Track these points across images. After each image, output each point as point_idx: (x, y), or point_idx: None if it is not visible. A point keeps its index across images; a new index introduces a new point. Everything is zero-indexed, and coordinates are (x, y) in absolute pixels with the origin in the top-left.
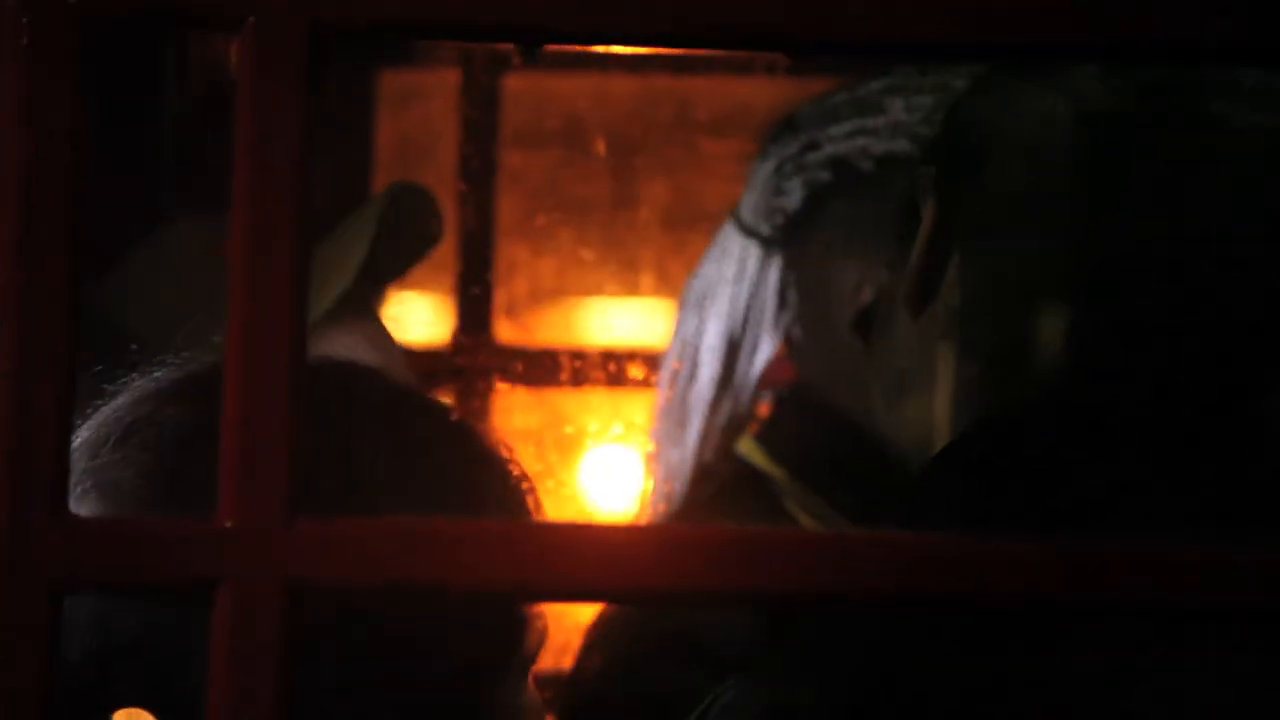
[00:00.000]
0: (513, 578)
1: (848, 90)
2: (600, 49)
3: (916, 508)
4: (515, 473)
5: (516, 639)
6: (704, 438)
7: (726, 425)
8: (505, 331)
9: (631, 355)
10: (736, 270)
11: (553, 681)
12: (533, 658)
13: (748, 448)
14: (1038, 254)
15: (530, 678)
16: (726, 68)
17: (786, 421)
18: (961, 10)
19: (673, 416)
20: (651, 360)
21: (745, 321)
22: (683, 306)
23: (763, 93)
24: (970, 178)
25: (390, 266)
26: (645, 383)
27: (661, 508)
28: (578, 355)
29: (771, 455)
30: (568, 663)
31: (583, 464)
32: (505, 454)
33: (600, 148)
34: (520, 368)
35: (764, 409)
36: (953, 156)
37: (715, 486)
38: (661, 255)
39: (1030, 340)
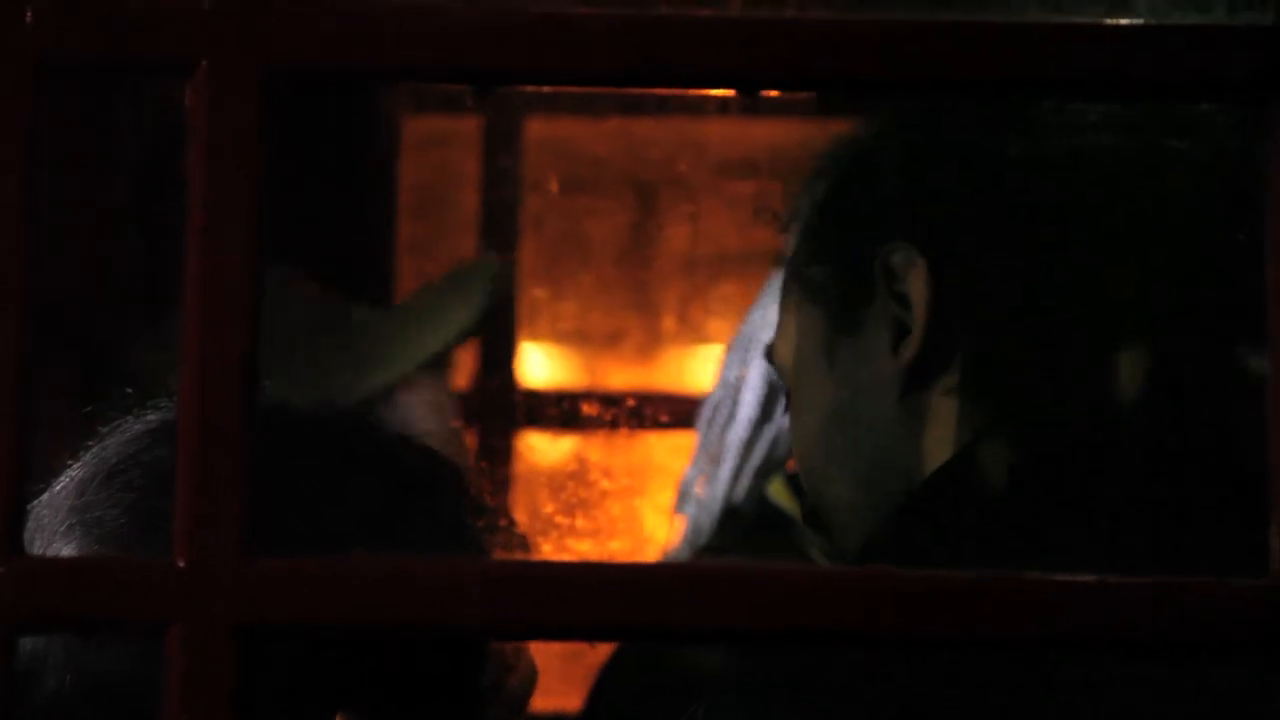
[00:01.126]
0: (468, 617)
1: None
2: (555, 89)
3: (911, 538)
4: (505, 529)
5: (473, 673)
6: (737, 477)
7: (760, 466)
8: (527, 374)
9: (653, 398)
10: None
11: None
12: (520, 699)
13: (776, 489)
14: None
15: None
16: (749, 110)
17: None
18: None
19: (709, 454)
20: (672, 402)
21: None
22: (730, 350)
23: (785, 135)
24: (969, 251)
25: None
26: (666, 424)
27: (685, 541)
28: (599, 398)
29: (797, 496)
30: (575, 703)
31: (603, 506)
32: (497, 509)
33: (619, 191)
34: (542, 410)
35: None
36: (942, 232)
37: (741, 526)
38: (683, 298)
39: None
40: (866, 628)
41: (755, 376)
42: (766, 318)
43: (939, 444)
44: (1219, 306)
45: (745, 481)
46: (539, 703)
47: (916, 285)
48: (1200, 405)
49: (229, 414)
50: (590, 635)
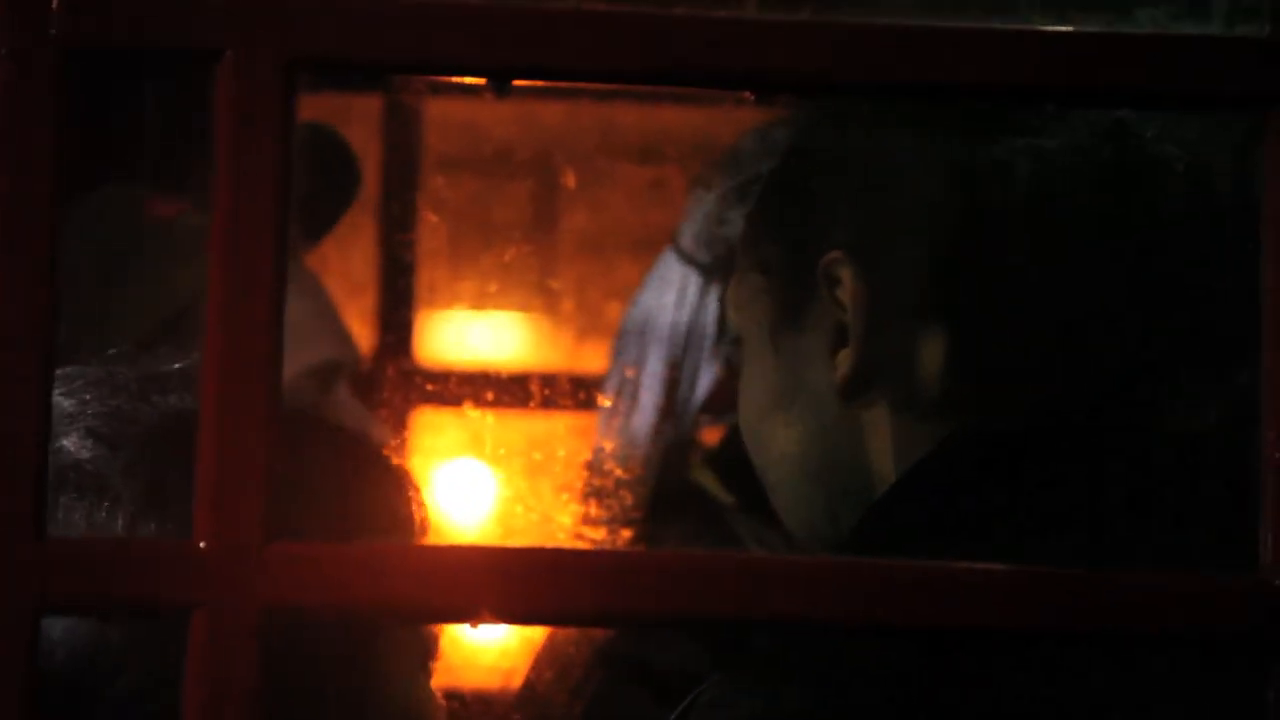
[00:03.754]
0: (484, 602)
1: (791, 123)
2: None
3: (866, 537)
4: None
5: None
6: (648, 463)
7: (670, 450)
8: (425, 353)
9: (551, 378)
10: (677, 298)
11: (500, 701)
12: (427, 655)
13: (700, 474)
14: (963, 303)
15: (429, 678)
16: (649, 96)
17: (735, 448)
18: (916, 52)
19: (614, 443)
20: (571, 382)
21: (686, 348)
22: (621, 335)
23: (684, 120)
24: (893, 259)
25: (309, 213)
26: (563, 405)
27: (602, 533)
28: (496, 377)
29: (722, 481)
30: (516, 683)
31: (495, 484)
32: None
33: (520, 172)
34: (439, 389)
35: (712, 435)
36: (869, 240)
37: (667, 511)
38: (582, 279)
39: (963, 379)
40: (832, 617)
41: (655, 361)
42: (661, 300)
43: (882, 453)
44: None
45: (656, 467)
46: (477, 680)
47: (856, 300)
48: (1164, 402)
49: (252, 398)
50: (597, 621)
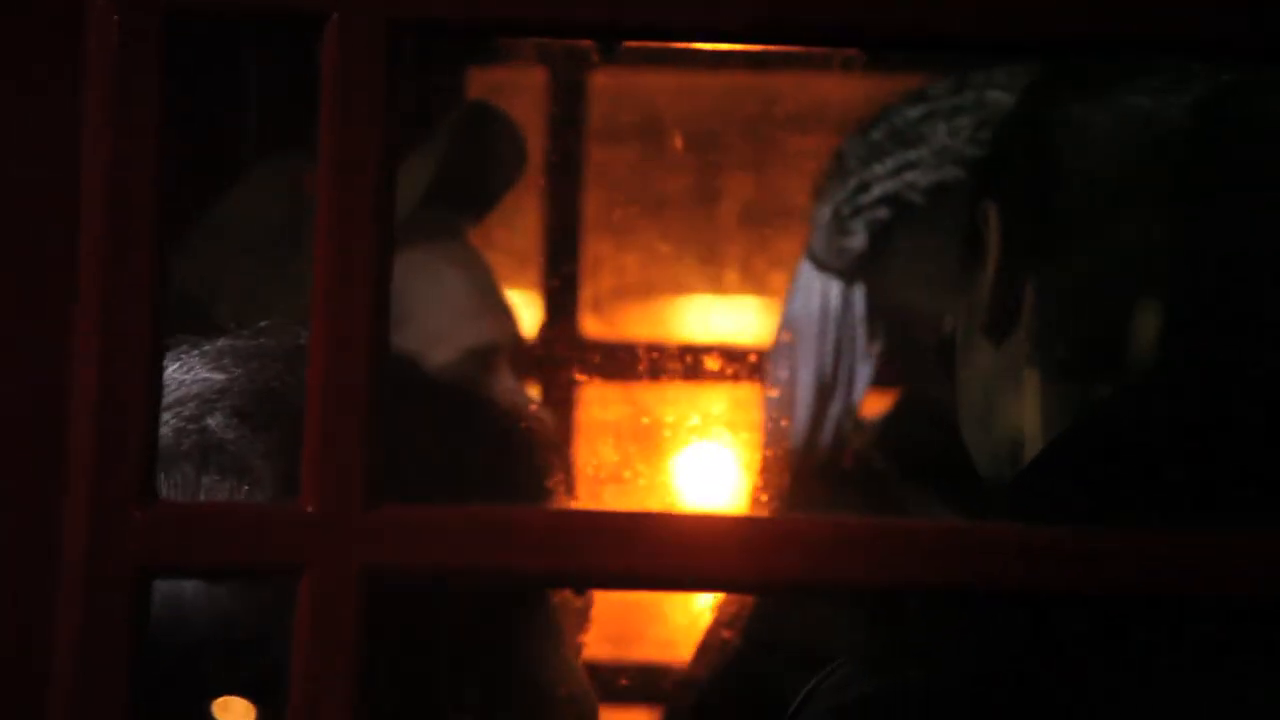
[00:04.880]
0: (590, 566)
1: (885, 123)
2: (683, 45)
3: (1015, 509)
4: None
5: (528, 615)
6: (810, 451)
7: (832, 445)
8: (590, 325)
9: (714, 350)
10: (821, 306)
11: (663, 677)
12: (575, 628)
13: (863, 446)
14: (1112, 263)
15: (579, 662)
16: (808, 64)
17: (899, 422)
18: (1040, 6)
19: (777, 449)
20: (732, 355)
21: (838, 354)
22: (774, 349)
23: (844, 89)
24: (1032, 204)
25: (475, 191)
26: (726, 377)
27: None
28: (660, 349)
29: (886, 453)
30: (669, 656)
31: (661, 456)
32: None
33: (683, 144)
34: (603, 361)
35: (876, 409)
36: (1011, 186)
37: (831, 480)
38: (744, 251)
39: (1116, 345)
40: (986, 582)
41: (806, 374)
42: (807, 310)
43: (1033, 418)
44: None
45: (821, 455)
46: (599, 652)
47: (992, 246)
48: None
49: (357, 361)
50: (711, 586)
